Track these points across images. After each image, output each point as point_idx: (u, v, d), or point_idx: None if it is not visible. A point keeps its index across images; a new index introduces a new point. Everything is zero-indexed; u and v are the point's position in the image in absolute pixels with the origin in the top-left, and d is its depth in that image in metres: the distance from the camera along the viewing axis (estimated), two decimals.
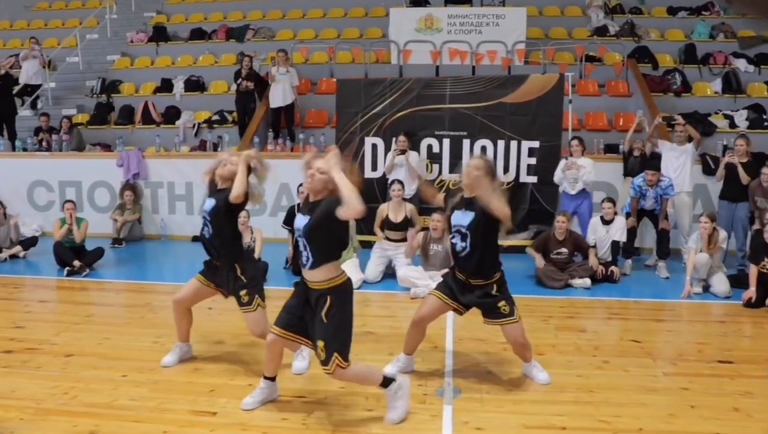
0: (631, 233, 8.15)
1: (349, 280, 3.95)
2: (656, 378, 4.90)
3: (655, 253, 8.37)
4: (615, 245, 7.83)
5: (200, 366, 5.10)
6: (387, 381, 4.05)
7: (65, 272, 8.18)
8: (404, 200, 8.10)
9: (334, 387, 4.52)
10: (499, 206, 4.23)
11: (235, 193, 4.54)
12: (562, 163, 8.65)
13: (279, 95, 11.30)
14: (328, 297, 3.82)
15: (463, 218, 4.43)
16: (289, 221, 7.94)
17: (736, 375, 4.96)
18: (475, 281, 4.55)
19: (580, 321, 6.38)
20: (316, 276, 3.87)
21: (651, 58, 12.56)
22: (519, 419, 4.18)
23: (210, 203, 4.77)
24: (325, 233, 3.81)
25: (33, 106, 13.14)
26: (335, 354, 3.79)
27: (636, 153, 9.09)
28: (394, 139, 9.09)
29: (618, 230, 7.84)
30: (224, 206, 4.66)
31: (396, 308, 6.91)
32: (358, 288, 7.44)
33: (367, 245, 8.32)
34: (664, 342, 5.70)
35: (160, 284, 7.91)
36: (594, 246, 7.88)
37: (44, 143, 11.31)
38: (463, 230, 4.42)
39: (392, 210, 7.89)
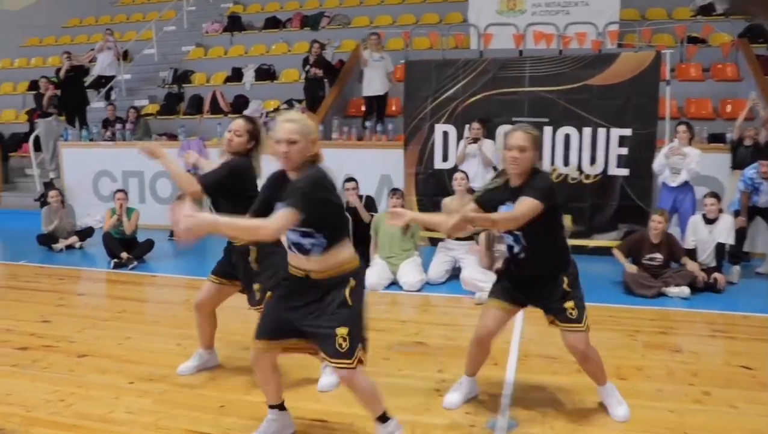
0: (740, 234, 6.95)
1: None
2: None
3: None
4: (720, 247, 6.64)
5: (217, 375, 4.46)
6: (384, 417, 3.25)
7: (112, 264, 7.81)
8: (471, 192, 7.21)
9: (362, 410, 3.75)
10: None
11: None
12: (666, 148, 7.51)
13: (373, 83, 10.50)
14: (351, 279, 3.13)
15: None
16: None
17: None
18: (525, 275, 3.73)
19: (675, 339, 5.30)
20: (324, 264, 3.15)
21: (766, 38, 11.06)
22: None
23: None
24: None
25: (107, 97, 13.09)
26: (360, 346, 3.08)
27: (747, 142, 7.82)
28: (467, 126, 8.24)
29: (724, 231, 6.65)
30: None
31: (457, 315, 6.05)
32: (418, 290, 6.67)
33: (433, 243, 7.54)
34: None
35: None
36: (694, 249, 6.72)
37: (109, 133, 11.13)
38: (515, 231, 3.56)
39: (456, 204, 7.02)
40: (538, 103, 8.12)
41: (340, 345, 3.04)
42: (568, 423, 3.73)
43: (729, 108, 9.96)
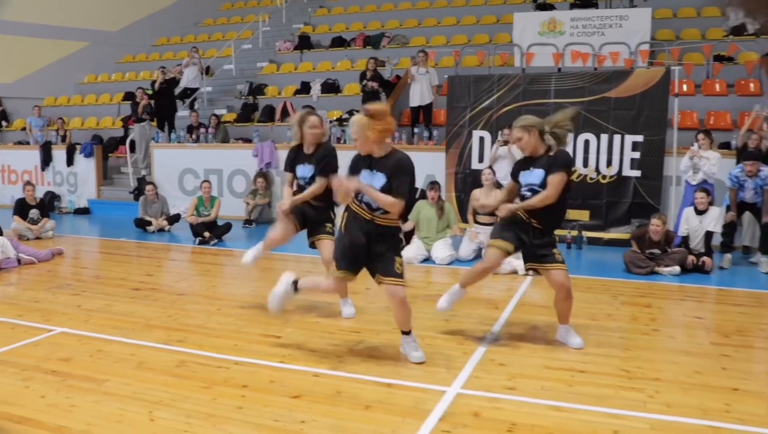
0: (730, 227, 7.98)
1: None
2: (700, 345, 4.98)
3: (758, 248, 8.08)
4: (708, 235, 7.71)
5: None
6: (409, 331, 4.56)
7: (197, 241, 9.41)
8: (498, 187, 8.49)
9: (385, 327, 5.11)
10: None
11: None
12: (689, 152, 8.62)
13: (417, 94, 11.90)
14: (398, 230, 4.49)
15: (532, 177, 4.73)
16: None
17: None
18: (534, 220, 4.77)
19: (650, 300, 6.41)
20: (388, 215, 4.37)
21: None
22: (543, 361, 4.53)
23: (307, 169, 5.46)
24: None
25: (191, 106, 14.89)
26: None
27: (751, 148, 8.81)
28: (499, 132, 9.51)
29: (712, 221, 7.71)
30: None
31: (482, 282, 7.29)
32: (449, 264, 7.95)
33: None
34: (729, 321, 5.62)
35: (278, 254, 8.78)
36: (686, 237, 7.81)
37: (194, 137, 12.86)
38: (537, 188, 4.69)
39: (484, 195, 8.31)
40: None
41: (398, 268, 4.32)
42: (540, 340, 4.97)
43: (746, 120, 10.86)
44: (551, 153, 4.75)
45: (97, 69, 18.31)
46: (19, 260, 7.89)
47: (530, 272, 5.06)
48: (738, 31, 12.92)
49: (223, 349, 4.71)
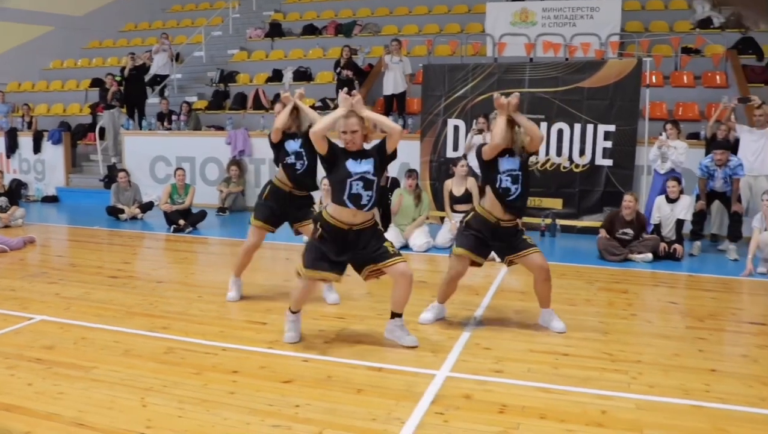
0: (700, 215, 8.19)
1: None
2: (677, 329, 5.13)
3: (727, 236, 8.32)
4: (679, 223, 7.91)
5: (264, 293, 5.88)
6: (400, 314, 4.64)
7: (171, 228, 9.32)
8: (471, 176, 8.59)
9: (369, 313, 5.15)
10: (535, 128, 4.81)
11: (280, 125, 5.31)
12: (657, 141, 8.81)
13: (390, 83, 11.93)
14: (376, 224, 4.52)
15: (511, 162, 4.80)
16: None
17: (761, 333, 5.10)
18: (508, 222, 4.87)
19: (625, 286, 6.56)
20: (369, 215, 4.42)
21: (756, 49, 12.21)
22: (527, 345, 4.61)
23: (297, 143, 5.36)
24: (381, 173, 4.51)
25: (161, 94, 14.68)
26: None
27: (720, 140, 9.03)
28: (474, 120, 9.58)
29: (683, 209, 7.91)
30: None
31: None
32: (426, 251, 8.02)
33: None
34: (701, 306, 5.80)
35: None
36: (658, 224, 8.00)
37: (165, 124, 12.70)
38: (515, 173, 4.78)
39: (455, 185, 8.40)
40: (536, 103, 9.44)
41: (391, 249, 4.40)
42: (522, 326, 5.06)
43: (713, 111, 11.12)
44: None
45: (63, 55, 17.90)
46: None
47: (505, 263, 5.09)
48: (704, 24, 13.20)
49: (209, 336, 4.70)
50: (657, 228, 8.05)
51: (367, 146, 4.48)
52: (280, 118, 5.37)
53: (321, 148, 4.34)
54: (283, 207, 5.48)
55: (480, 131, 9.27)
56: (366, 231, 4.40)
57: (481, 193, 5.26)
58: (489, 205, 4.90)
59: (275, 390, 3.74)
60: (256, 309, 5.38)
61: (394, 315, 4.57)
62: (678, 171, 8.70)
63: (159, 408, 3.52)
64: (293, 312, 4.62)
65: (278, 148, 5.42)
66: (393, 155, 4.49)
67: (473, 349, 4.51)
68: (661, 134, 8.90)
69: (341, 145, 4.39)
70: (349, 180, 4.29)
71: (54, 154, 13.47)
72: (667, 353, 4.52)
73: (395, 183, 8.94)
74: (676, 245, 7.80)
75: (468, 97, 9.80)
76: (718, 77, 11.81)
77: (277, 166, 5.53)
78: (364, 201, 4.31)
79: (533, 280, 4.97)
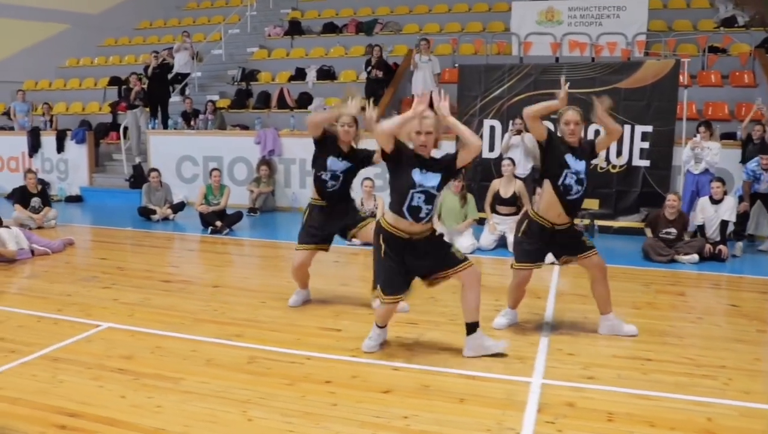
0: (743, 216, 8.20)
1: None
2: (747, 332, 5.13)
3: None
4: (724, 224, 7.91)
5: (329, 298, 5.85)
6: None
7: (209, 230, 9.28)
8: (516, 177, 8.58)
9: (440, 318, 5.13)
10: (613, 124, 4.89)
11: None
12: (690, 142, 8.83)
13: (420, 82, 11.88)
14: (435, 231, 4.43)
15: (578, 164, 4.71)
16: None
17: None
18: (563, 224, 4.79)
19: (681, 288, 6.60)
20: (428, 225, 4.30)
21: None
22: (609, 350, 4.61)
23: (344, 164, 5.26)
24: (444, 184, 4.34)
25: (182, 92, 14.61)
26: None
27: (756, 140, 9.05)
28: (510, 121, 9.56)
29: (727, 210, 7.92)
30: (358, 168, 5.40)
31: (505, 269, 7.23)
32: (471, 253, 8.00)
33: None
34: (762, 309, 5.81)
35: (290, 243, 8.74)
36: (702, 225, 8.00)
37: (193, 123, 12.64)
38: (582, 176, 4.70)
39: (503, 186, 8.39)
40: (573, 104, 9.31)
41: (460, 255, 4.32)
42: (594, 328, 5.02)
43: (743, 111, 11.14)
44: (583, 143, 4.94)
45: (79, 53, 17.84)
46: (32, 251, 7.69)
47: (560, 263, 5.05)
48: (728, 22, 13.20)
49: (287, 343, 4.67)
50: (701, 229, 8.05)
51: (437, 154, 4.34)
52: (323, 115, 5.48)
53: (386, 146, 4.17)
54: (324, 222, 5.39)
55: (518, 132, 9.27)
56: (425, 239, 4.30)
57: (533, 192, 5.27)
58: (544, 208, 4.80)
59: (377, 400, 3.72)
60: (325, 315, 5.35)
61: (471, 327, 4.39)
62: (712, 171, 8.72)
63: (265, 422, 3.49)
64: (380, 326, 4.55)
65: (319, 150, 5.30)
66: (459, 170, 4.40)
67: (557, 355, 4.50)
68: (695, 135, 8.91)
69: (410, 147, 4.22)
70: (411, 191, 4.14)
71: (77, 153, 13.38)
72: (748, 358, 4.52)
73: None
74: (721, 246, 7.80)
75: (504, 97, 9.77)
76: (746, 76, 11.82)
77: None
78: (422, 214, 4.18)
79: (590, 282, 4.92)
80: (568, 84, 4.89)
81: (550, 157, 4.76)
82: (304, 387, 3.91)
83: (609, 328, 4.93)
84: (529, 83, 9.65)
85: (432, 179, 4.18)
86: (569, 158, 4.72)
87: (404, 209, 4.15)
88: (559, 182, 4.69)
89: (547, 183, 4.78)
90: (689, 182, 8.89)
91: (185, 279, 6.64)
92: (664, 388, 3.94)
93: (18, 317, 5.32)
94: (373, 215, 8.57)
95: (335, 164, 5.26)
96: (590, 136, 9.37)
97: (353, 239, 5.72)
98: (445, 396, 3.78)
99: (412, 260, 4.29)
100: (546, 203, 4.79)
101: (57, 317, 5.32)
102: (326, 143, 5.28)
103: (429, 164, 4.20)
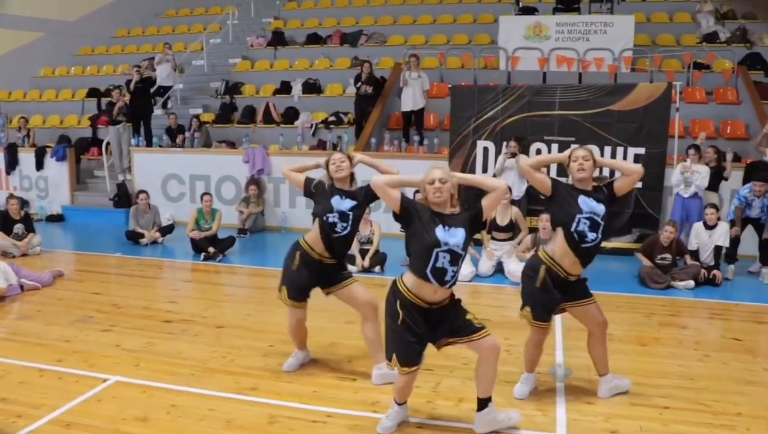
0: (734, 241, 8.32)
1: None
2: (755, 373, 5.20)
3: (759, 260, 8.46)
4: (717, 249, 8.04)
5: (337, 341, 5.78)
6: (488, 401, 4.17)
7: (202, 256, 9.13)
8: (512, 203, 8.60)
9: (454, 362, 5.09)
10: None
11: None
12: (680, 166, 8.92)
13: (409, 99, 11.81)
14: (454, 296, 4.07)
15: (593, 205, 4.35)
16: None
17: None
18: (576, 274, 4.48)
19: (682, 319, 6.69)
20: (450, 291, 3.97)
21: (763, 65, 12.45)
22: (625, 398, 4.62)
23: (348, 203, 4.82)
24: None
25: (164, 106, 14.39)
26: None
27: (712, 164, 9.08)
28: (504, 143, 9.56)
29: (721, 236, 8.06)
30: (364, 205, 4.94)
31: (506, 300, 7.39)
32: (469, 281, 7.98)
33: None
34: (766, 342, 5.93)
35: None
36: (696, 250, 8.11)
37: (179, 140, 12.43)
38: (598, 219, 4.34)
39: (500, 213, 8.38)
40: (566, 125, 9.46)
41: (475, 320, 3.95)
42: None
43: (729, 129, 11.33)
44: (599, 185, 4.51)
45: (54, 62, 17.48)
46: (21, 286, 7.49)
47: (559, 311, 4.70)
48: (710, 38, 13.38)
49: (305, 398, 4.60)
50: (695, 254, 8.16)
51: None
52: (298, 166, 5.06)
53: (392, 204, 3.88)
54: (311, 275, 4.91)
55: (513, 155, 9.27)
56: (446, 307, 3.97)
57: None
58: (558, 256, 4.43)
59: None
60: (338, 360, 5.29)
61: (483, 403, 4.05)
62: (701, 194, 8.85)
63: None
64: (399, 403, 4.18)
65: (319, 196, 4.92)
66: (485, 223, 4.10)
67: (576, 405, 4.51)
68: (685, 160, 9.00)
69: (420, 201, 3.90)
70: (436, 250, 3.76)
71: (58, 171, 13.04)
72: (761, 403, 4.59)
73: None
74: (716, 271, 7.92)
75: (498, 118, 9.77)
76: (729, 94, 11.97)
77: (313, 222, 4.94)
78: (448, 277, 3.81)
79: (588, 338, 4.65)
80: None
81: (558, 208, 4.47)
82: None
83: (610, 390, 4.68)
84: (523, 104, 9.67)
85: (457, 235, 3.80)
86: (582, 200, 4.35)
87: (428, 271, 3.77)
88: (572, 229, 4.34)
89: (559, 231, 4.46)
90: (678, 206, 8.99)
91: (186, 318, 6.51)
92: None
93: (17, 370, 5.14)
94: (369, 241, 8.56)
95: (341, 203, 4.82)
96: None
97: (329, 295, 5.11)
98: None
99: (427, 328, 3.93)
100: (560, 251, 4.42)
101: (59, 370, 5.15)
102: (322, 188, 4.93)
103: (451, 220, 3.84)
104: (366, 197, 4.90)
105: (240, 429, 4.16)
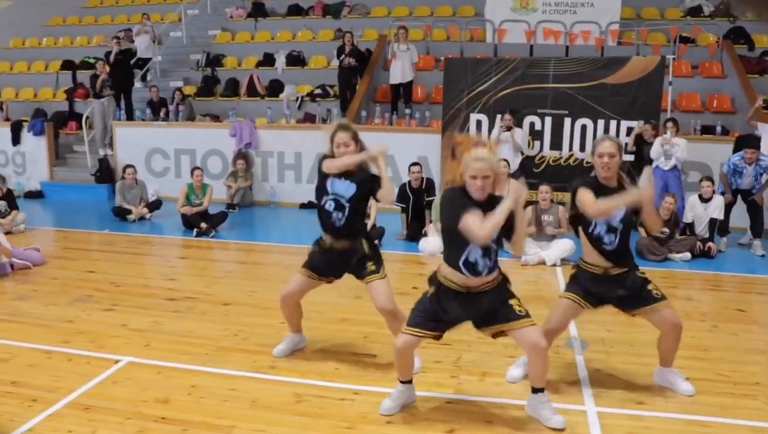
0: (728, 209, 8.42)
1: None
2: (766, 343, 5.30)
3: (749, 232, 8.60)
4: (713, 222, 8.16)
5: (349, 316, 5.72)
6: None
7: (194, 232, 8.97)
8: (509, 176, 8.57)
9: (470, 336, 5.07)
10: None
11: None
12: (660, 139, 8.96)
13: (398, 72, 11.65)
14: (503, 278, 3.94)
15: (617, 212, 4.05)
16: (401, 199, 8.59)
17: None
18: (618, 270, 4.18)
19: (684, 291, 6.80)
20: (489, 277, 3.82)
21: (747, 39, 12.56)
22: (645, 369, 4.63)
23: (344, 185, 4.45)
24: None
25: (143, 78, 14.02)
26: None
27: (650, 140, 9.14)
28: (498, 116, 9.54)
29: (716, 209, 8.18)
30: (367, 191, 4.52)
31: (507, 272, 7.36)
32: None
33: None
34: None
35: (285, 246, 8.59)
36: (692, 223, 8.22)
37: (162, 114, 12.14)
38: (614, 224, 4.08)
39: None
40: (560, 98, 9.46)
41: (521, 310, 3.78)
42: (623, 344, 5.13)
43: (715, 103, 11.45)
44: (625, 185, 4.19)
45: (23, 33, 16.86)
46: (11, 265, 7.26)
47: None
48: (694, 12, 13.45)
49: (328, 376, 4.54)
50: (690, 226, 8.27)
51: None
52: (345, 161, 4.42)
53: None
54: (329, 260, 4.60)
55: (508, 128, 9.25)
56: (489, 290, 3.83)
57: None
58: (587, 253, 4.24)
59: None
60: (353, 337, 5.24)
61: (536, 390, 3.91)
62: (680, 167, 8.94)
63: None
64: (402, 382, 4.03)
65: (322, 174, 4.54)
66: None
67: (599, 377, 4.53)
68: (665, 133, 9.05)
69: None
70: (471, 245, 3.68)
71: (35, 145, 12.70)
72: None
73: (430, 184, 8.82)
74: (711, 244, 8.04)
75: (491, 91, 9.74)
76: (715, 67, 12.07)
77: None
78: (480, 268, 3.73)
79: (660, 335, 4.33)
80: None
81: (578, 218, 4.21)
82: (366, 430, 3.81)
83: (665, 381, 4.42)
84: (517, 77, 9.64)
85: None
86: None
87: (461, 264, 3.72)
88: (589, 231, 4.14)
89: (580, 229, 4.23)
90: (658, 178, 9.02)
91: (190, 295, 6.38)
92: (714, 412, 4.03)
93: (24, 352, 4.96)
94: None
95: (338, 185, 4.43)
96: (576, 131, 9.52)
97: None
98: (512, 429, 3.77)
99: (460, 309, 3.81)
100: (587, 248, 4.22)
101: (68, 351, 4.99)
102: (321, 167, 4.57)
103: (485, 211, 3.66)
104: (367, 183, 4.49)
105: (267, 409, 4.09)
